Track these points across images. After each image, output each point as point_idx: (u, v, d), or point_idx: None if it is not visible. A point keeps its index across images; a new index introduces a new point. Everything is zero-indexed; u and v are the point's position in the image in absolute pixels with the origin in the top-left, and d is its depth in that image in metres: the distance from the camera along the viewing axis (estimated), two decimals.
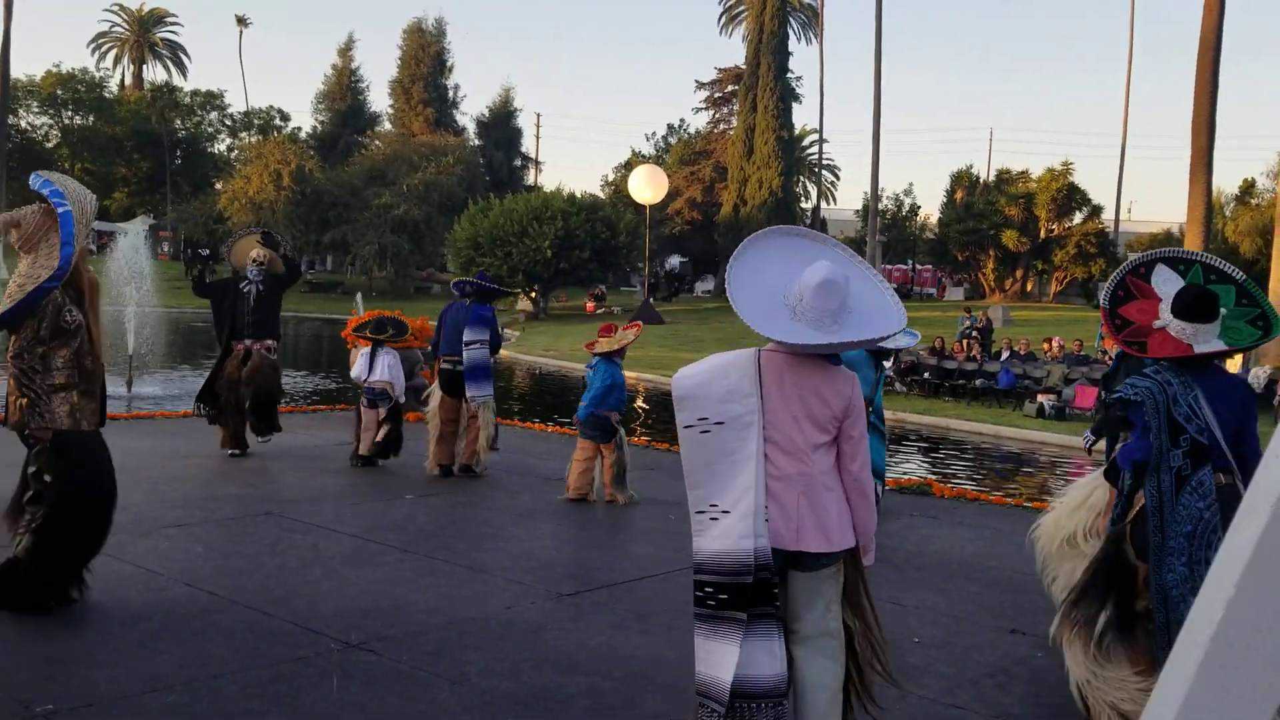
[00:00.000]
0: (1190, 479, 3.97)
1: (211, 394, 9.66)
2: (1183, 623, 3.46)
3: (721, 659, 3.35)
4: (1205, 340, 4.06)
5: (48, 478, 4.94)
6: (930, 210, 63.60)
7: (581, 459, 8.39)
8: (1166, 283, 4.24)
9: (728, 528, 3.39)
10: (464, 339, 9.02)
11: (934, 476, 11.45)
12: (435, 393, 9.45)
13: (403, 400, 9.96)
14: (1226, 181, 74.65)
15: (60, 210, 4.91)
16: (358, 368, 9.74)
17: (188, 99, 67.85)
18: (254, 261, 9.62)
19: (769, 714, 3.35)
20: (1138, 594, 4.11)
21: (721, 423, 3.45)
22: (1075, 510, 5.57)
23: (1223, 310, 4.09)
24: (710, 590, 3.40)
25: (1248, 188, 49.05)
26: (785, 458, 3.43)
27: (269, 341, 9.64)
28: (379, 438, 9.55)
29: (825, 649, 3.49)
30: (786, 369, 3.48)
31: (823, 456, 3.47)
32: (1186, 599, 3.82)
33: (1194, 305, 4.06)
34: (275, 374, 9.84)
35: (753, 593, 3.34)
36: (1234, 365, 19.35)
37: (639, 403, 19.26)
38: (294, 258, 10.41)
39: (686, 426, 3.51)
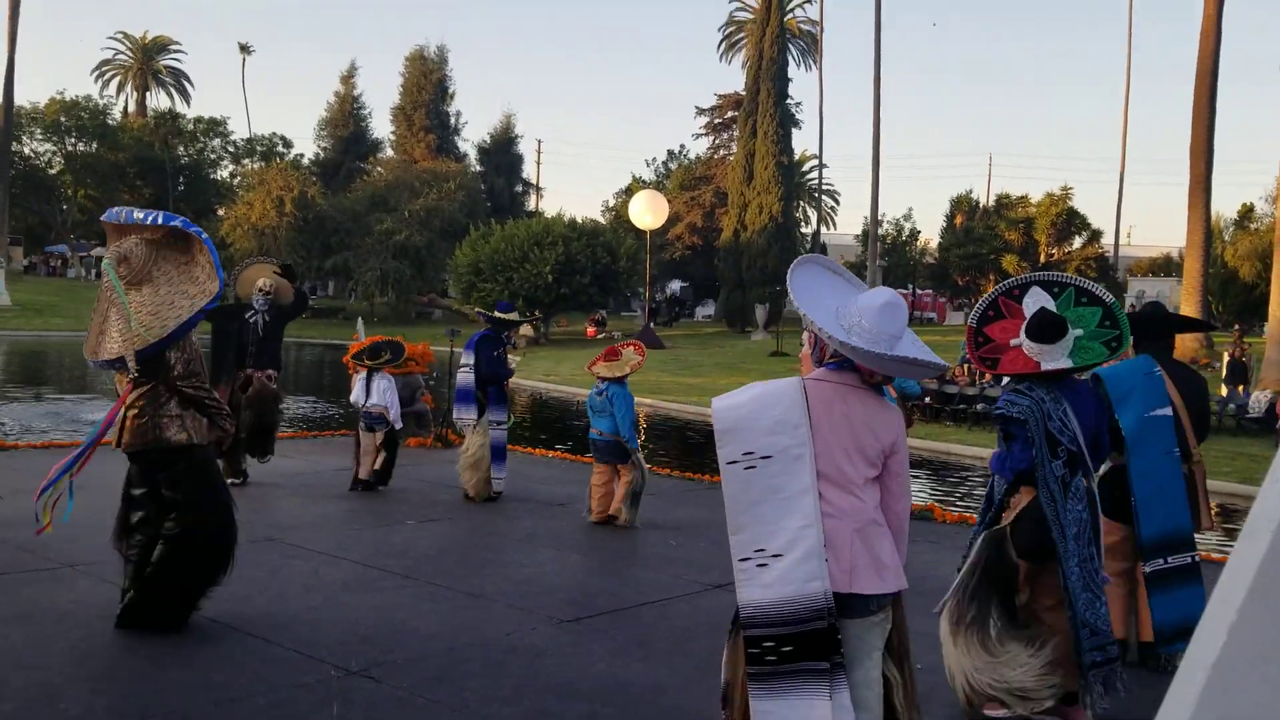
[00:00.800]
0: (1070, 485, 4.34)
1: None
2: (1087, 624, 3.72)
3: (803, 717, 3.07)
4: (1051, 359, 4.38)
5: (166, 493, 5.22)
6: (930, 235, 63.78)
7: (600, 483, 8.52)
8: (1037, 304, 4.54)
9: (785, 573, 3.12)
10: (460, 361, 9.53)
11: (936, 501, 11.41)
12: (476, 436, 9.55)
13: (399, 425, 9.97)
14: (1226, 206, 74.95)
15: (204, 238, 5.29)
16: (356, 392, 9.77)
17: (191, 126, 68.17)
18: (261, 291, 9.48)
19: None
20: (1018, 590, 4.51)
21: (769, 457, 3.20)
22: None
23: (1078, 331, 4.42)
24: (770, 645, 3.11)
25: (1247, 212, 49.21)
26: (837, 492, 3.20)
27: (270, 371, 9.58)
28: (376, 464, 9.57)
29: (863, 701, 3.21)
30: (835, 398, 3.29)
31: (872, 492, 3.28)
32: (1083, 595, 4.27)
33: (1041, 327, 4.39)
34: (275, 401, 9.81)
35: (825, 639, 3.08)
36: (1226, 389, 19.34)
37: (641, 428, 19.23)
38: (305, 290, 10.38)
39: (730, 462, 3.24)
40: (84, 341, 5.48)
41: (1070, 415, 4.37)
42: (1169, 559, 5.20)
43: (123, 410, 5.24)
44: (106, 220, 5.43)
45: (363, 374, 9.81)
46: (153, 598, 5.14)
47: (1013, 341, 4.50)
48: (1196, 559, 5.25)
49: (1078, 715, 4.41)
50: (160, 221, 5.25)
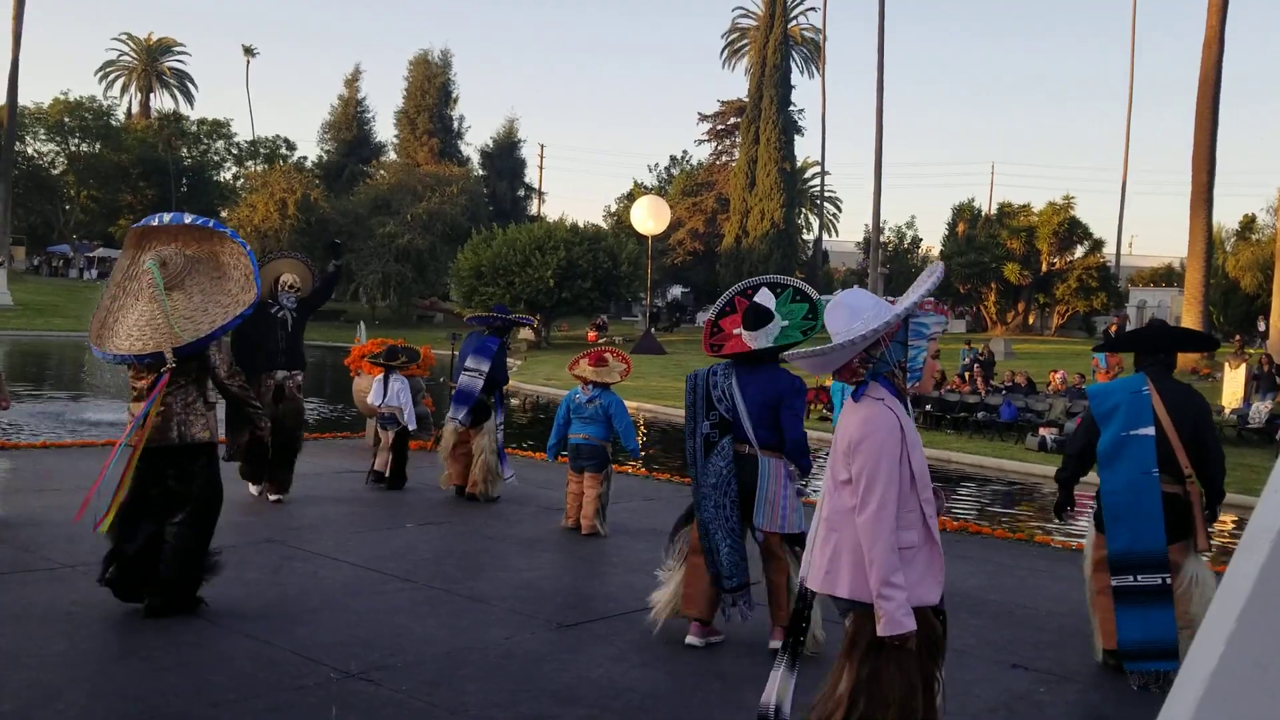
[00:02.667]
0: (717, 444, 5.37)
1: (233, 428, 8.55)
2: (716, 549, 5.06)
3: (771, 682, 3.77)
4: (757, 341, 5.30)
5: (177, 486, 5.57)
6: (932, 243, 63.95)
7: (577, 490, 8.42)
8: (765, 301, 5.42)
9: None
10: (465, 365, 9.38)
11: None
12: (449, 428, 9.67)
13: (412, 426, 10.19)
14: (1227, 217, 74.93)
15: (247, 249, 5.78)
16: (373, 394, 10.23)
17: (194, 127, 68.30)
18: (289, 287, 9.00)
19: None
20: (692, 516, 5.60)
21: None
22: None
23: (785, 322, 5.37)
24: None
25: (1248, 223, 49.25)
26: (824, 491, 3.50)
27: (298, 375, 9.03)
28: (388, 464, 9.96)
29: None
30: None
31: (848, 497, 3.32)
32: (716, 530, 5.33)
33: (749, 318, 5.33)
34: (302, 420, 9.32)
35: (792, 619, 3.75)
36: (1235, 399, 19.33)
37: (639, 433, 19.22)
38: (335, 272, 9.83)
39: None
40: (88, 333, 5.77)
41: (735, 389, 5.37)
42: (1138, 577, 5.14)
43: (148, 408, 5.45)
44: (142, 226, 5.86)
45: (379, 375, 10.26)
46: (177, 587, 5.48)
47: (735, 330, 5.40)
48: (1167, 581, 5.14)
49: (709, 631, 5.47)
50: (213, 226, 5.80)
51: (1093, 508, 5.70)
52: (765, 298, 5.47)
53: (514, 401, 25.53)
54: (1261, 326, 28.69)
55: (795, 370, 4.82)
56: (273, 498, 8.80)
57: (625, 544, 8.09)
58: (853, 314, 3.37)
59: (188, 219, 5.84)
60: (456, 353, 10.02)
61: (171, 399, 5.51)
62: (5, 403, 7.95)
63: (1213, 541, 5.54)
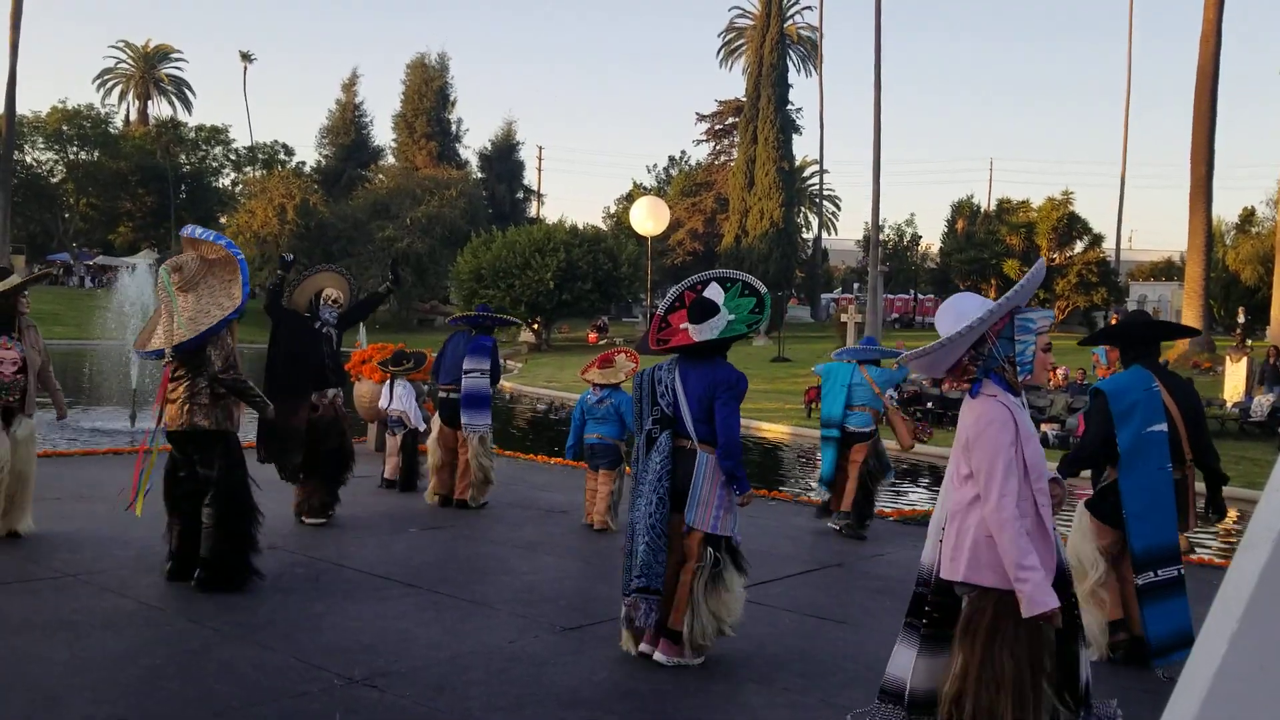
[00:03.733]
0: (656, 440, 5.22)
1: (281, 449, 8.09)
2: (632, 551, 4.95)
3: (896, 661, 3.84)
4: (702, 334, 5.24)
5: (202, 471, 6.18)
6: (932, 240, 63.80)
7: (595, 488, 8.56)
8: (714, 296, 5.42)
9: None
10: (463, 367, 9.09)
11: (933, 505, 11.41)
12: (435, 422, 9.57)
13: (421, 428, 10.28)
14: (1227, 210, 75.05)
15: (239, 258, 6.31)
16: (383, 398, 10.52)
17: (192, 134, 68.32)
18: (331, 301, 8.48)
19: (880, 714, 3.85)
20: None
21: None
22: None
23: (731, 316, 5.33)
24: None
25: (1248, 216, 49.19)
26: (948, 484, 3.71)
27: (339, 393, 8.54)
28: (396, 468, 10.19)
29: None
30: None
31: (970, 488, 3.54)
32: (638, 529, 5.11)
33: (694, 311, 5.29)
34: (345, 439, 8.68)
35: (915, 603, 3.80)
36: (1237, 392, 19.32)
37: None
38: (385, 293, 9.54)
39: None
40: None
41: (678, 384, 5.24)
42: (1158, 572, 5.32)
43: (165, 396, 6.23)
44: (184, 234, 6.54)
45: (385, 380, 10.51)
46: (217, 565, 6.06)
47: (682, 325, 5.37)
48: (1182, 572, 5.38)
49: (645, 637, 5.18)
50: (201, 236, 6.39)
51: (1086, 496, 5.79)
52: (714, 292, 5.44)
53: (514, 405, 25.53)
54: (1243, 318, 28.65)
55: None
56: (309, 521, 8.23)
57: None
58: (958, 317, 3.57)
59: (199, 232, 6.45)
60: (436, 355, 9.81)
61: (180, 391, 6.15)
62: (61, 412, 8.04)
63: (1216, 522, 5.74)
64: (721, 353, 5.37)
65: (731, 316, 5.32)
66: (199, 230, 6.49)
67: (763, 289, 5.53)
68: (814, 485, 9.12)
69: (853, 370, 8.86)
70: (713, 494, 5.15)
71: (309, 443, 8.12)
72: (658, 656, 5.09)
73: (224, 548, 6.10)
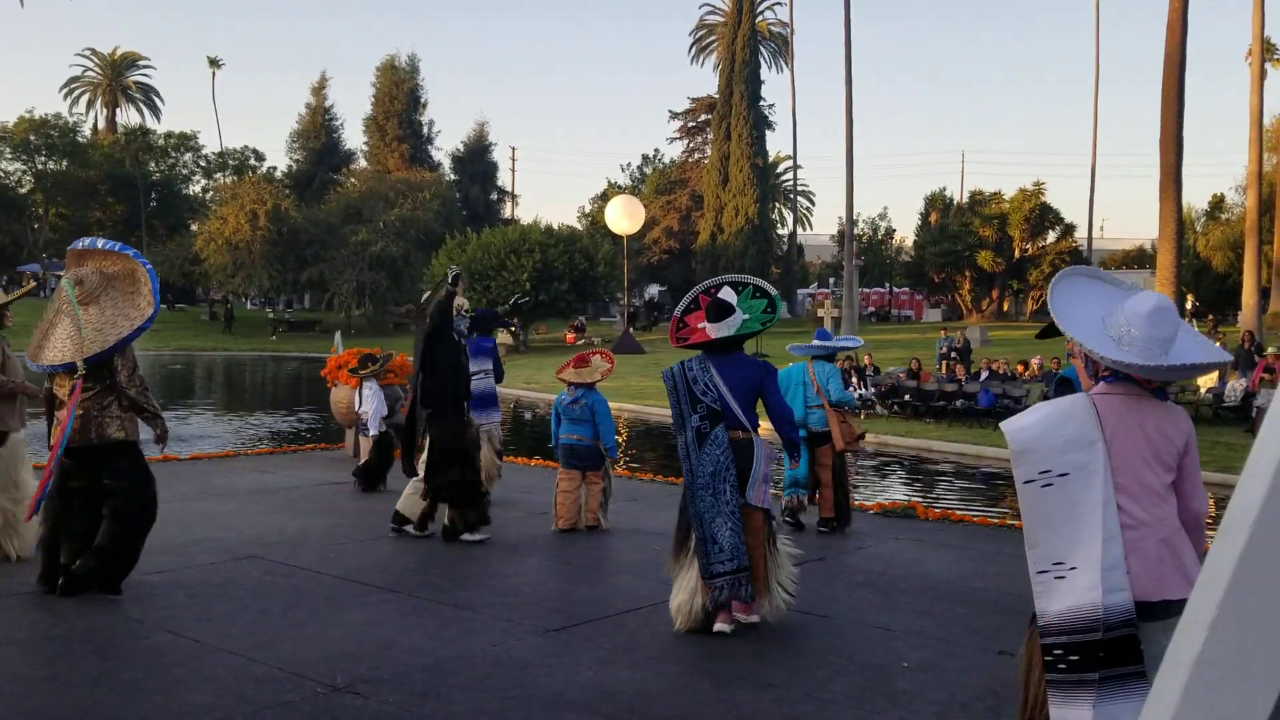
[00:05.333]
0: (709, 435, 5.65)
1: (447, 465, 8.01)
2: (714, 539, 5.15)
3: None
4: (719, 332, 5.78)
5: (110, 482, 6.14)
6: (905, 233, 64.14)
7: (570, 489, 8.44)
8: (727, 297, 5.92)
9: (1086, 584, 3.19)
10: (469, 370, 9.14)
11: (917, 499, 11.47)
12: None
13: (372, 431, 10.31)
14: (1197, 197, 75.54)
15: (148, 268, 6.38)
16: (355, 401, 10.70)
17: (161, 141, 67.76)
18: (464, 312, 8.26)
19: None
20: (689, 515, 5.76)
21: (1066, 474, 3.27)
22: None
23: (745, 316, 5.86)
24: (1060, 653, 3.22)
25: (1218, 203, 49.70)
26: (1138, 503, 3.26)
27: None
28: (363, 463, 10.40)
29: None
30: (1125, 409, 3.33)
31: (1171, 498, 3.33)
32: (714, 519, 5.57)
33: (712, 311, 5.84)
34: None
35: (1107, 651, 3.17)
36: (1211, 378, 19.50)
37: (621, 433, 19.22)
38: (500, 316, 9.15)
39: (1026, 482, 3.31)
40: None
41: (716, 379, 5.72)
42: None
43: (61, 410, 6.15)
44: (72, 249, 6.53)
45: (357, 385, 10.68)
46: (109, 562, 6.09)
47: (699, 325, 5.86)
48: None
49: (722, 616, 5.61)
50: (118, 249, 6.45)
51: None
52: (728, 294, 5.95)
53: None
54: (1189, 304, 28.95)
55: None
56: (471, 538, 7.97)
57: (610, 546, 8.08)
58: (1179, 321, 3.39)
59: (100, 243, 6.54)
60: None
61: (89, 403, 6.13)
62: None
63: None
64: (740, 347, 5.93)
65: (746, 316, 5.86)
66: (100, 241, 6.56)
67: (773, 291, 6.04)
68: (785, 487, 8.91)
69: (804, 368, 8.75)
70: (764, 473, 5.81)
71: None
72: (740, 617, 5.64)
73: (121, 556, 6.13)
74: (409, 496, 8.25)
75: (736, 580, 5.56)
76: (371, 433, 10.28)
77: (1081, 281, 3.56)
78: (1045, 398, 6.26)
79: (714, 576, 5.56)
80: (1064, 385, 5.63)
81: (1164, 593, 3.21)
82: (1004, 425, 3.45)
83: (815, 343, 8.97)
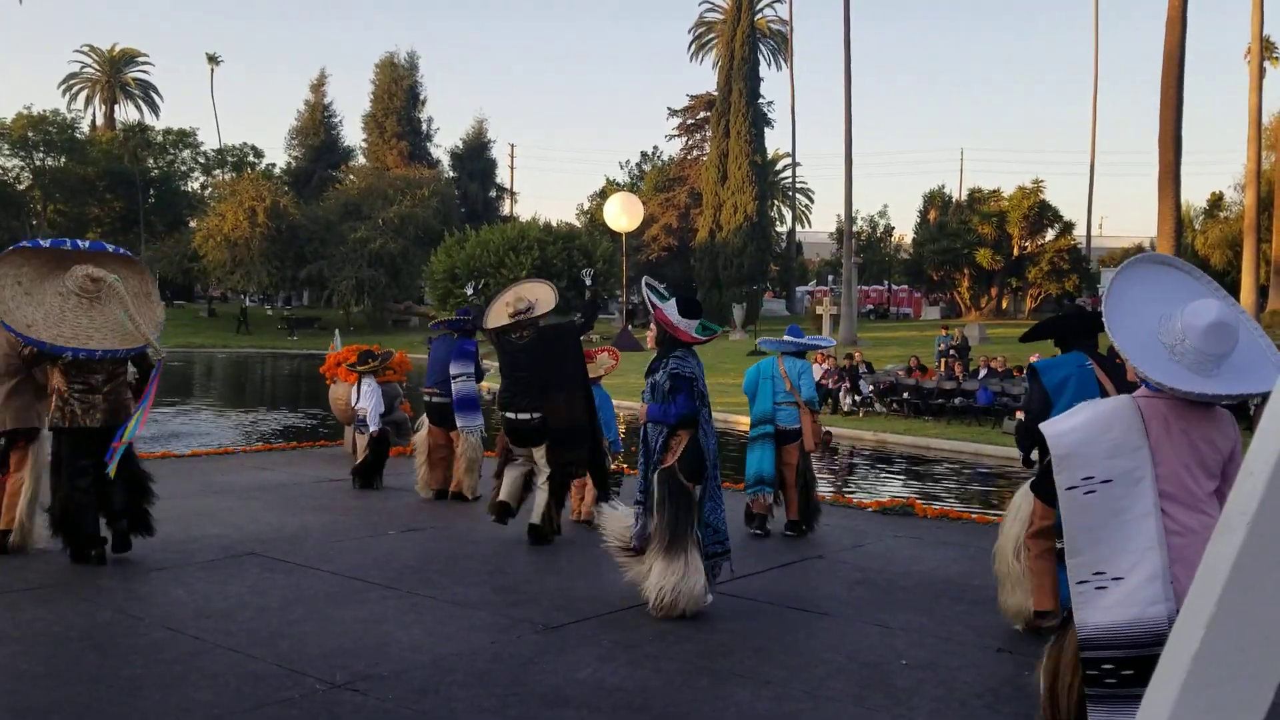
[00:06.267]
0: (707, 427, 6.15)
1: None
2: (710, 524, 5.73)
3: None
4: (692, 330, 6.17)
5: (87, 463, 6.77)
6: (904, 231, 64.18)
7: (581, 484, 8.55)
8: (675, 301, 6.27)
9: (1128, 595, 3.07)
10: (450, 373, 9.39)
11: (916, 497, 11.47)
12: (423, 422, 9.90)
13: (369, 427, 10.28)
14: (1195, 195, 75.63)
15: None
16: (352, 398, 10.71)
17: (160, 138, 67.64)
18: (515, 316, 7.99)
19: None
20: (696, 503, 6.01)
21: (1109, 480, 3.14)
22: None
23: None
24: (1110, 667, 3.08)
25: (1216, 201, 49.69)
26: (1184, 511, 3.13)
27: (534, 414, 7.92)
28: (358, 459, 10.37)
29: None
30: (1171, 415, 3.19)
31: (1218, 505, 3.18)
32: (709, 505, 6.08)
33: (689, 307, 6.21)
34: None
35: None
36: None
37: (620, 431, 19.21)
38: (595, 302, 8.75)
39: (1069, 488, 3.18)
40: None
41: (701, 373, 6.19)
42: None
43: (95, 395, 6.75)
44: (95, 249, 7.09)
45: (356, 381, 10.69)
46: (132, 524, 6.91)
47: (676, 322, 6.14)
48: None
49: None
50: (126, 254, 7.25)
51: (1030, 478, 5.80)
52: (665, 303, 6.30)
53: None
54: None
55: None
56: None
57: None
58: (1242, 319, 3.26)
59: (110, 248, 7.16)
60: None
61: (119, 389, 6.89)
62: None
63: None
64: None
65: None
66: (109, 246, 7.24)
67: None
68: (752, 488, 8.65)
69: (774, 362, 8.57)
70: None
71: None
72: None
73: (143, 518, 7.03)
74: (512, 482, 8.04)
75: (725, 561, 6.16)
76: (370, 429, 10.25)
77: (1151, 272, 3.35)
78: (1026, 393, 6.21)
79: (710, 557, 6.01)
80: (1032, 374, 5.60)
81: None
82: (1044, 429, 3.30)
83: (786, 339, 8.73)
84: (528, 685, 4.72)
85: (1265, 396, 4.18)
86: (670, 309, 6.19)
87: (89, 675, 4.72)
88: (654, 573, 5.88)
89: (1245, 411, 17.51)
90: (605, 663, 5.08)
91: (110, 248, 7.17)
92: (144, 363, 7.13)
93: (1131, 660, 3.05)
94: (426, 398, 9.79)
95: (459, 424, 9.41)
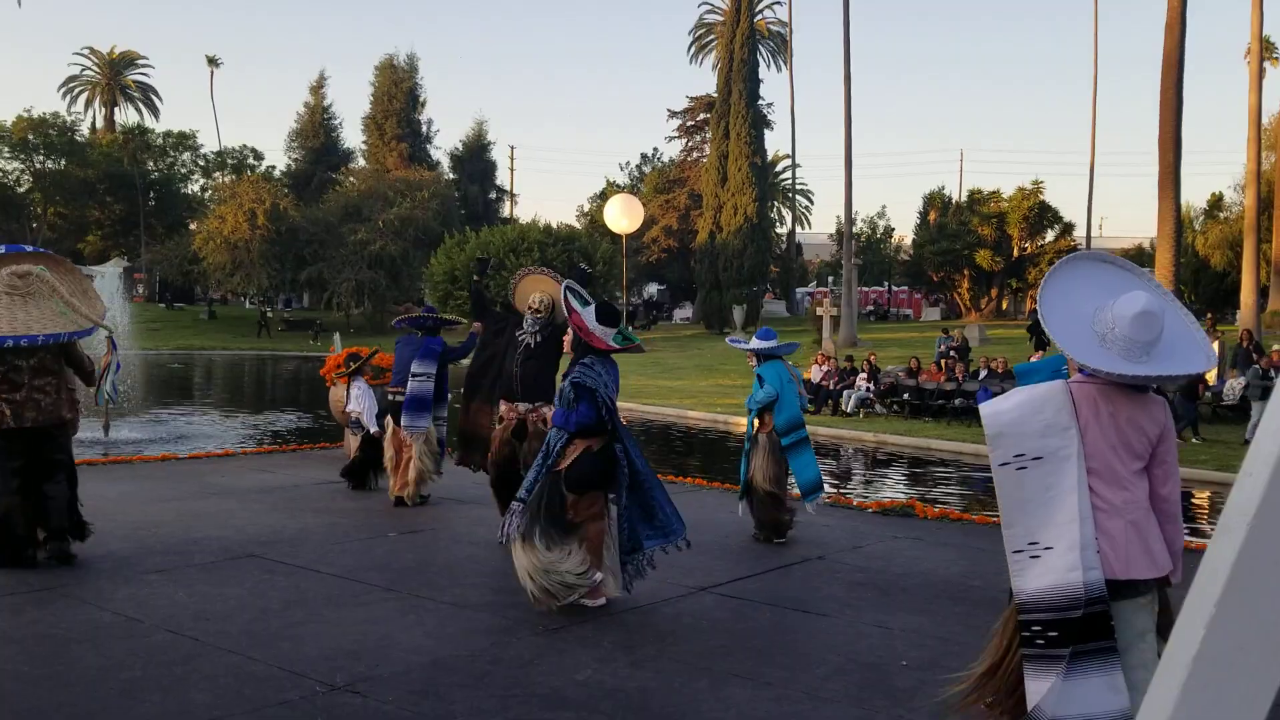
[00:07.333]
0: (627, 442, 6.08)
1: (470, 451, 8.46)
2: (665, 504, 5.39)
3: (1068, 696, 3.33)
4: (609, 339, 6.10)
5: (59, 457, 6.79)
6: (904, 232, 64.13)
7: None
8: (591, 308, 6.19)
9: (1052, 563, 3.37)
10: (411, 371, 9.23)
11: (916, 498, 11.47)
12: (388, 424, 9.75)
13: (372, 429, 10.26)
14: (1195, 196, 75.54)
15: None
16: (346, 401, 10.80)
17: (160, 140, 67.66)
18: (531, 310, 7.65)
19: None
20: (568, 509, 5.94)
21: (1040, 458, 3.45)
22: None
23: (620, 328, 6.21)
24: (1038, 629, 3.40)
25: (1216, 201, 49.64)
26: (1108, 487, 3.44)
27: (544, 409, 7.44)
28: (349, 462, 10.42)
29: (1137, 683, 3.37)
30: (1101, 399, 3.48)
31: (1142, 483, 3.49)
32: (635, 509, 6.06)
33: (606, 314, 6.12)
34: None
35: (1083, 627, 3.33)
36: (1209, 377, 19.51)
37: None
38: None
39: (1002, 464, 3.51)
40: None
41: (610, 382, 6.08)
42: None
43: (23, 392, 6.62)
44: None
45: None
46: (69, 531, 6.79)
47: (593, 330, 6.03)
48: None
49: (603, 593, 6.05)
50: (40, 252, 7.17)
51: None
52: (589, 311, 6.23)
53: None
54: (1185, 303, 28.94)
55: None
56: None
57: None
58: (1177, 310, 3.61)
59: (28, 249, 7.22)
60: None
61: (46, 382, 6.71)
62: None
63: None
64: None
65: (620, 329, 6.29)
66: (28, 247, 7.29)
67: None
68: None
69: (783, 367, 8.39)
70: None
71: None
72: (588, 603, 6.04)
73: (72, 516, 6.85)
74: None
75: (642, 561, 6.12)
76: (372, 430, 10.24)
77: (1087, 268, 3.64)
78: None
79: (629, 552, 6.08)
80: (1017, 377, 5.62)
81: (1130, 572, 3.40)
82: (982, 409, 3.62)
83: (758, 343, 8.49)
84: (527, 687, 4.71)
85: (1188, 380, 4.36)
86: (588, 315, 6.11)
87: (89, 678, 4.72)
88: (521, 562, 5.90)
89: (1246, 413, 17.52)
90: (605, 664, 5.08)
91: (29, 248, 7.18)
92: (81, 367, 7.02)
93: (1055, 623, 3.35)
94: (392, 397, 9.62)
95: (404, 423, 9.17)
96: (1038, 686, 3.38)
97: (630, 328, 40.89)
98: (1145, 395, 3.54)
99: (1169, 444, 3.53)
